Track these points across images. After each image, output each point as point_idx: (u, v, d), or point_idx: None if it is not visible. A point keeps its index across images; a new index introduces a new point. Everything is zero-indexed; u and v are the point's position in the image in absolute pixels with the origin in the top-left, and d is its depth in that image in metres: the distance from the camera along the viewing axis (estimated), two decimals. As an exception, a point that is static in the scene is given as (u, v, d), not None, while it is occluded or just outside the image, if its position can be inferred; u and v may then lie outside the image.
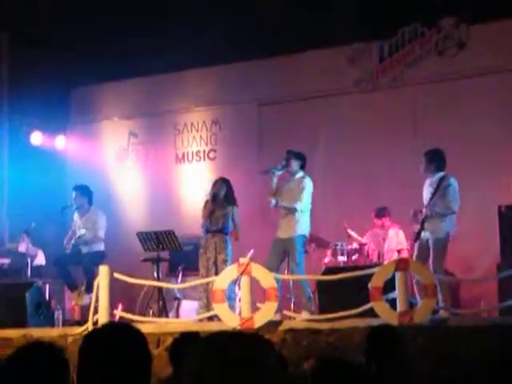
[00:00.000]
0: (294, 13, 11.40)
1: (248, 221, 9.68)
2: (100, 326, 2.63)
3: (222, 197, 9.31)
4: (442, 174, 8.66)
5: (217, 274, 8.80)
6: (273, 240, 9.06)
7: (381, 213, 10.47)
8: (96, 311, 8.30)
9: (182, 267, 10.33)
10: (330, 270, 8.80)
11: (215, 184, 9.42)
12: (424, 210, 8.62)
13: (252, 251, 9.48)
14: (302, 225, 9.02)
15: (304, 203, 9.04)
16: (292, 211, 8.98)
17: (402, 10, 11.02)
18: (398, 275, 7.56)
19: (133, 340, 2.47)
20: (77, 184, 10.54)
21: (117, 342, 2.45)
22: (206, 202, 9.39)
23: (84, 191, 10.33)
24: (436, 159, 8.70)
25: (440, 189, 8.53)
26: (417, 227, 8.64)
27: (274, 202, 9.02)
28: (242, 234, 9.65)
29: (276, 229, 9.09)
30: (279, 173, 9.12)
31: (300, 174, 9.15)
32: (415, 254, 8.69)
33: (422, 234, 8.60)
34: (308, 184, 9.11)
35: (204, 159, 12.88)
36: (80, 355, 2.44)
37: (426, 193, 8.74)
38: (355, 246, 10.26)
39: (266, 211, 9.45)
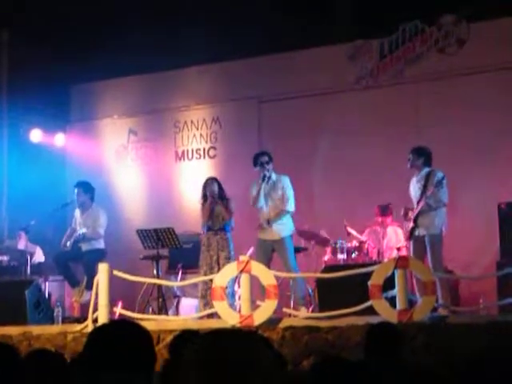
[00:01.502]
0: (294, 10, 11.38)
1: (247, 219, 9.65)
2: (107, 323, 2.63)
3: (218, 195, 9.31)
4: (428, 169, 8.76)
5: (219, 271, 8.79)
6: (259, 242, 9.04)
7: (385, 210, 10.47)
8: (96, 309, 8.29)
9: (181, 265, 10.30)
10: (329, 268, 8.80)
11: (208, 184, 9.39)
12: (415, 206, 8.65)
13: (252, 249, 9.47)
14: (290, 225, 9.10)
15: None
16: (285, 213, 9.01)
17: (402, 7, 11.02)
18: (397, 273, 7.55)
19: (139, 338, 2.47)
20: (79, 181, 10.38)
21: (123, 339, 2.44)
22: (204, 201, 9.35)
23: (87, 188, 10.20)
24: (423, 155, 8.83)
25: (431, 183, 8.58)
26: (409, 225, 8.67)
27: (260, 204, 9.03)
28: (241, 233, 9.63)
29: (260, 230, 9.03)
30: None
31: (274, 174, 9.10)
32: (411, 251, 8.70)
33: (416, 231, 8.62)
34: (290, 183, 9.12)
35: (204, 157, 12.85)
36: (85, 351, 2.44)
37: (415, 189, 8.82)
38: (355, 243, 10.24)
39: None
